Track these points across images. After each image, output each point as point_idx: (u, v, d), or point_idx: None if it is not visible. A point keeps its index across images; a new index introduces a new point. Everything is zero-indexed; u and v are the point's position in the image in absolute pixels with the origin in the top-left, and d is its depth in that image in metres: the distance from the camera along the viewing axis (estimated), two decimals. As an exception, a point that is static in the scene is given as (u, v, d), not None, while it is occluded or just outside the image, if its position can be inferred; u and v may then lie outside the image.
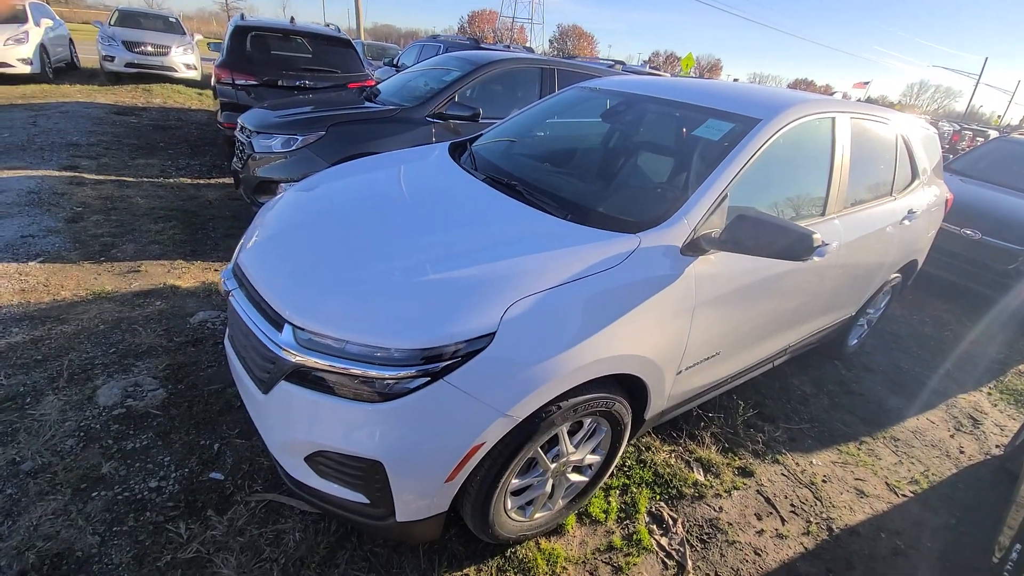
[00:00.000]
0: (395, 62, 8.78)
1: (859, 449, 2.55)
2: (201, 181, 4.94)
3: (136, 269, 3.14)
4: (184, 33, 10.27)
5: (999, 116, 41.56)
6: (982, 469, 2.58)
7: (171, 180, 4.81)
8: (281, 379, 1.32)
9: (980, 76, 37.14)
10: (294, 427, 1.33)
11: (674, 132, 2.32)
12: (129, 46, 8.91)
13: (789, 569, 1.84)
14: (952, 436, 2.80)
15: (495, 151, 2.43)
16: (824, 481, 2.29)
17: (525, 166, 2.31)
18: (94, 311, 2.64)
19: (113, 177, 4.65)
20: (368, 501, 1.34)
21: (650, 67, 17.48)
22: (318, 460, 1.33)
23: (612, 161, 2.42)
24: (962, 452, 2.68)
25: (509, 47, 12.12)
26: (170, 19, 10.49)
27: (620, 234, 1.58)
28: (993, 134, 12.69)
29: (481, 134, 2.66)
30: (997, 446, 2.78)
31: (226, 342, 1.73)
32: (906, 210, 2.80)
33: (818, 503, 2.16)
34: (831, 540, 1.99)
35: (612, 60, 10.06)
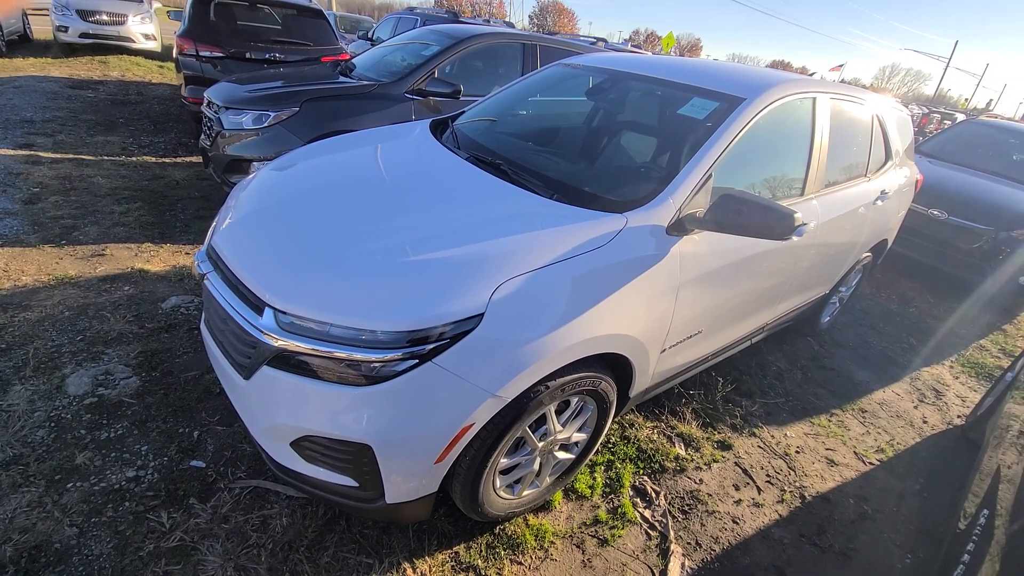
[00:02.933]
0: (370, 35, 8.45)
1: (830, 421, 2.66)
2: (167, 160, 4.70)
3: (100, 253, 2.99)
4: (141, 1, 9.63)
5: (966, 99, 42.72)
6: (944, 438, 2.73)
7: (134, 158, 4.57)
8: (263, 364, 1.28)
9: (950, 59, 37.99)
10: (278, 412, 1.30)
11: (659, 111, 2.30)
12: (83, 15, 8.30)
13: (765, 535, 1.93)
14: (916, 407, 2.95)
15: (478, 129, 2.37)
16: (797, 452, 2.39)
17: (509, 144, 2.27)
18: (58, 297, 2.52)
19: (71, 155, 4.39)
20: (357, 484, 1.33)
21: (631, 45, 17.31)
22: (304, 445, 1.31)
23: (597, 140, 2.39)
24: (925, 422, 2.83)
25: (489, 21, 11.78)
26: None
27: (607, 214, 1.57)
28: (960, 117, 13.08)
29: (463, 111, 2.60)
30: (959, 416, 2.94)
31: (202, 327, 1.68)
32: (879, 191, 2.87)
33: (792, 473, 2.26)
34: (803, 507, 2.09)
35: (594, 37, 9.90)
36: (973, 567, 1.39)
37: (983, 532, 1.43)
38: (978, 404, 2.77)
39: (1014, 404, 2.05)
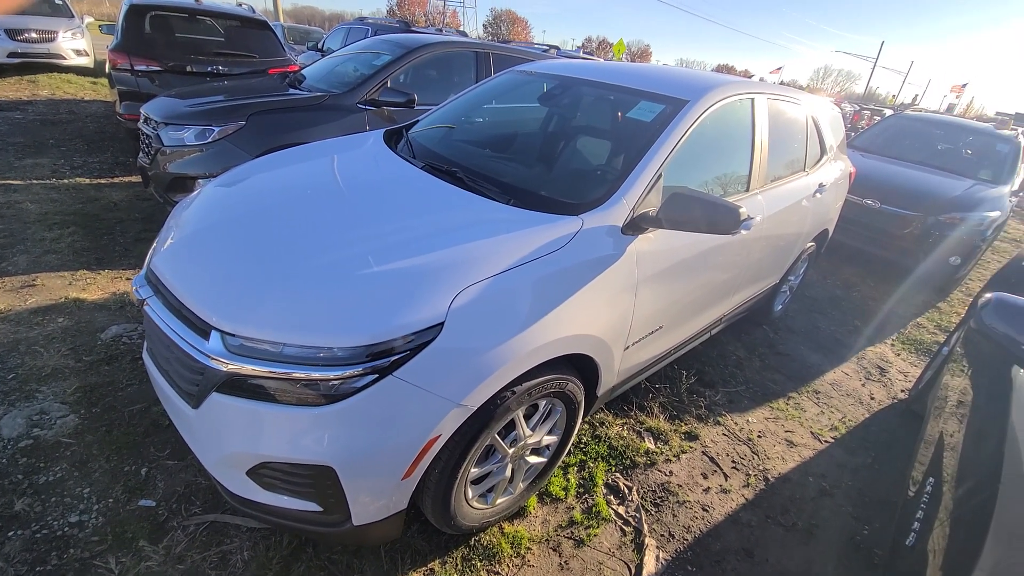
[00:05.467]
0: (320, 46, 8.29)
1: (787, 404, 2.78)
2: (102, 181, 4.43)
3: (31, 283, 2.77)
4: (72, 16, 9.07)
5: (893, 96, 45.91)
6: (891, 412, 2.90)
7: (66, 181, 4.28)
8: (212, 391, 1.22)
9: (877, 59, 40.79)
10: (232, 441, 1.24)
11: (609, 114, 2.36)
12: (11, 34, 7.75)
13: (733, 520, 1.99)
14: (863, 385, 3.13)
15: (433, 137, 2.36)
16: (759, 436, 2.48)
17: (464, 152, 2.27)
18: (-19, 334, 2.31)
19: (-7, 180, 4.07)
20: (321, 509, 1.28)
21: (584, 52, 17.71)
22: (262, 472, 1.25)
23: (551, 144, 2.43)
24: (873, 398, 3.00)
25: (441, 31, 11.79)
26: (56, 1, 9.22)
27: (563, 217, 1.59)
28: (889, 113, 14.06)
29: (417, 120, 2.58)
30: (902, 391, 3.13)
31: (145, 356, 1.58)
32: (818, 184, 3.04)
33: (755, 457, 2.34)
34: (767, 489, 2.17)
35: (547, 45, 10.08)
36: (924, 532, 1.47)
37: (931, 498, 1.52)
38: (919, 378, 2.96)
39: (951, 376, 2.20)
